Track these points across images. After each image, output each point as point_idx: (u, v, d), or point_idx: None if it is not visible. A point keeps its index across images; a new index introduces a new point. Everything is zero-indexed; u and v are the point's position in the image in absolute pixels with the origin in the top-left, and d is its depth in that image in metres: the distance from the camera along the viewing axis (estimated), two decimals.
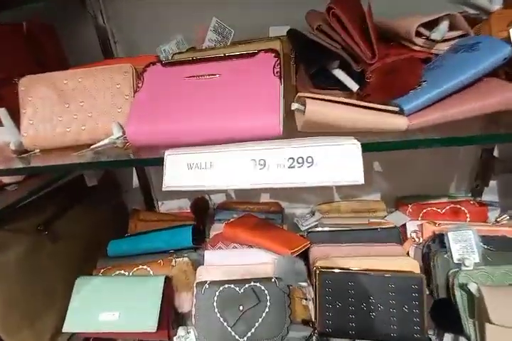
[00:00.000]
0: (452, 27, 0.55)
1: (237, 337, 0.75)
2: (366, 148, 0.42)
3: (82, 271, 0.88)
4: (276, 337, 0.74)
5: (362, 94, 0.58)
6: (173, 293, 0.83)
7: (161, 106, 0.55)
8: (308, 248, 0.87)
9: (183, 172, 0.47)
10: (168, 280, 0.82)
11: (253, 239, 0.88)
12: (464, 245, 0.79)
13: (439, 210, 1.01)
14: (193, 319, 0.80)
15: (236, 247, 0.95)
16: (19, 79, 0.67)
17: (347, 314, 0.71)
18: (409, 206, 1.03)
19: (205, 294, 0.81)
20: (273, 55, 0.55)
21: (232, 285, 0.80)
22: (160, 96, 0.57)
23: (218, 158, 0.46)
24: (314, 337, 0.74)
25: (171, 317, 0.80)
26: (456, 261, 0.78)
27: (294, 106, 0.47)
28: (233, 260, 0.89)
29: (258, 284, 0.80)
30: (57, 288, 0.82)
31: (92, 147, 0.55)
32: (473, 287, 0.71)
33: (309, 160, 0.44)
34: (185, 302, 0.85)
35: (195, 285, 0.83)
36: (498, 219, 0.93)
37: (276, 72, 0.53)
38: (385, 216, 1.02)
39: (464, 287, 0.74)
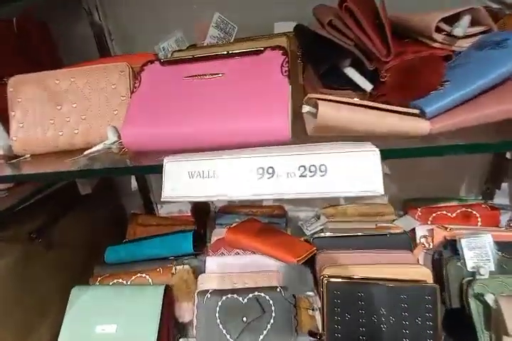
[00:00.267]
0: (473, 22, 0.51)
1: None
2: (385, 155, 0.38)
3: (79, 280, 0.84)
4: None
5: (375, 94, 0.54)
6: (174, 303, 0.79)
7: (160, 108, 0.51)
8: (314, 254, 0.83)
9: (183, 181, 0.43)
10: (168, 290, 0.78)
11: (257, 245, 0.84)
12: (479, 252, 0.75)
13: (449, 214, 0.98)
14: (194, 330, 0.76)
15: (239, 253, 0.92)
16: (9, 79, 0.63)
17: (357, 326, 0.68)
18: (419, 209, 0.99)
19: (206, 304, 0.77)
20: (281, 52, 0.51)
21: (235, 295, 0.77)
22: (158, 97, 0.53)
23: (222, 166, 0.42)
24: None
25: (171, 329, 0.77)
26: (470, 269, 0.75)
27: (305, 108, 0.43)
28: (236, 267, 0.86)
29: (262, 294, 0.76)
30: (52, 299, 0.78)
31: (85, 153, 0.51)
32: (490, 298, 0.67)
33: (322, 168, 0.40)
34: (186, 312, 0.81)
35: (196, 294, 0.79)
36: (511, 224, 0.90)
37: (285, 72, 0.49)
38: (393, 220, 0.98)
39: (479, 297, 0.71)
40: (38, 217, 0.78)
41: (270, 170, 0.41)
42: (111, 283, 0.83)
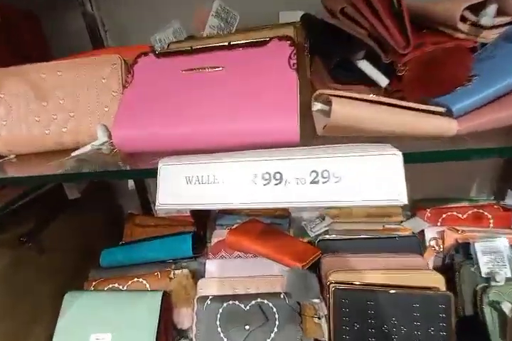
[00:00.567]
0: (499, 12, 0.46)
1: None
2: (409, 158, 0.34)
3: (73, 284, 0.80)
4: None
5: (390, 90, 0.49)
6: (172, 310, 0.75)
7: (155, 104, 0.46)
8: (319, 258, 0.79)
9: (180, 187, 0.39)
10: (166, 296, 0.74)
11: (259, 249, 0.80)
12: (494, 257, 0.72)
13: (460, 215, 0.93)
14: (194, 339, 0.72)
15: (240, 256, 0.88)
16: None
17: (366, 337, 0.64)
18: (428, 210, 0.95)
19: (206, 311, 0.73)
20: (288, 43, 0.46)
21: (237, 302, 0.73)
22: (153, 92, 0.48)
23: (224, 171, 0.38)
24: None
25: (170, 337, 0.73)
26: (484, 275, 0.71)
27: (316, 106, 0.38)
28: (237, 271, 0.82)
29: (265, 301, 0.72)
30: (44, 305, 0.74)
31: (72, 154, 0.46)
32: (507, 307, 0.64)
33: (337, 174, 0.35)
34: (185, 318, 0.77)
35: (196, 300, 0.75)
36: None
37: (293, 65, 0.44)
38: (401, 221, 0.94)
39: (494, 305, 0.67)
40: (27, 220, 0.74)
41: (277, 176, 0.37)
42: (106, 288, 0.80)
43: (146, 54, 0.52)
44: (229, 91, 0.44)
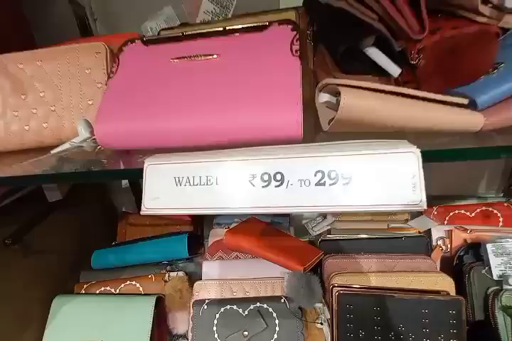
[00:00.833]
0: None
1: None
2: (429, 157, 0.29)
3: (64, 288, 0.76)
4: None
5: (402, 81, 0.45)
6: (166, 315, 0.72)
7: (142, 97, 0.42)
8: (322, 259, 0.76)
9: (168, 190, 0.34)
10: (160, 300, 0.70)
11: (258, 250, 0.76)
12: (507, 259, 0.68)
13: (468, 213, 0.89)
14: None
15: (239, 257, 0.84)
16: None
17: None
18: (434, 208, 0.91)
19: (203, 316, 0.70)
20: (290, 27, 0.41)
21: (235, 306, 0.69)
22: (140, 83, 0.43)
23: (218, 171, 0.34)
24: None
25: None
26: (496, 278, 0.67)
27: (323, 97, 0.34)
28: (235, 273, 0.78)
29: (265, 305, 0.69)
30: (32, 310, 0.70)
31: (51, 152, 0.42)
32: None
33: (346, 174, 0.31)
34: (180, 323, 0.73)
35: (191, 304, 0.72)
36: None
37: (295, 51, 0.39)
38: (407, 219, 0.90)
39: (506, 309, 0.63)
40: (12, 221, 0.69)
41: (278, 177, 0.32)
42: (98, 291, 0.76)
43: (132, 41, 0.47)
44: (224, 82, 0.39)
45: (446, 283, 0.66)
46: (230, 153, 0.35)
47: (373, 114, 0.32)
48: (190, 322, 0.70)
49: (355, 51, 0.45)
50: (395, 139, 0.32)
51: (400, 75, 0.44)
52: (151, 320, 0.66)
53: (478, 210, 0.89)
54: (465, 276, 0.70)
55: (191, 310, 0.71)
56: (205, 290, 0.74)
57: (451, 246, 0.80)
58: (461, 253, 0.75)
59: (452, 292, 0.65)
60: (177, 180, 0.34)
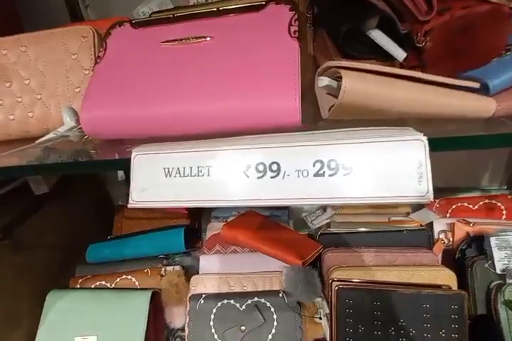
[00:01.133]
0: None
1: None
2: (437, 145, 0.27)
3: (59, 283, 0.75)
4: None
5: (407, 65, 0.42)
6: (163, 310, 0.71)
7: (130, 83, 0.39)
8: (321, 253, 0.74)
9: (158, 181, 0.32)
10: (156, 295, 0.69)
11: (256, 244, 0.74)
12: (511, 253, 0.66)
13: (470, 206, 0.87)
14: (186, 340, 0.68)
15: (236, 251, 0.83)
16: None
17: (371, 340, 0.59)
18: (436, 201, 0.89)
19: (200, 310, 0.68)
20: (288, 7, 0.38)
21: (232, 301, 0.68)
22: (128, 69, 0.41)
23: (210, 161, 0.31)
24: None
25: (160, 338, 0.68)
26: (499, 272, 0.65)
27: (323, 81, 0.31)
28: (233, 267, 0.76)
29: (263, 300, 0.67)
30: (25, 306, 0.69)
31: (36, 142, 0.39)
32: None
33: (347, 164, 0.29)
34: (177, 318, 0.72)
35: (188, 298, 0.70)
36: None
37: (294, 32, 0.36)
38: (408, 212, 0.88)
39: (509, 304, 0.62)
40: (1, 215, 0.67)
41: (274, 167, 0.30)
42: (93, 286, 0.75)
43: (120, 24, 0.44)
44: (217, 65, 0.37)
45: (448, 277, 0.64)
46: (222, 142, 0.33)
47: (377, 98, 0.29)
48: (187, 316, 0.69)
49: (357, 34, 0.42)
50: (398, 127, 0.30)
51: (405, 60, 0.42)
52: (147, 315, 0.65)
53: (481, 203, 0.87)
54: (467, 270, 0.68)
55: (188, 305, 0.70)
56: (202, 284, 0.73)
57: (453, 239, 0.78)
58: (464, 247, 0.74)
59: (454, 286, 0.63)
60: (166, 171, 0.32)
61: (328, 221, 0.89)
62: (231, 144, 0.31)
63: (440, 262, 0.76)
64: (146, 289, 0.70)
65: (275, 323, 0.65)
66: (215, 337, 0.66)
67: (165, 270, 0.74)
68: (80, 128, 0.39)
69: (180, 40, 0.40)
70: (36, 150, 0.41)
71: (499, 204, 0.86)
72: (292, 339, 0.64)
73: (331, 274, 0.67)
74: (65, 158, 0.39)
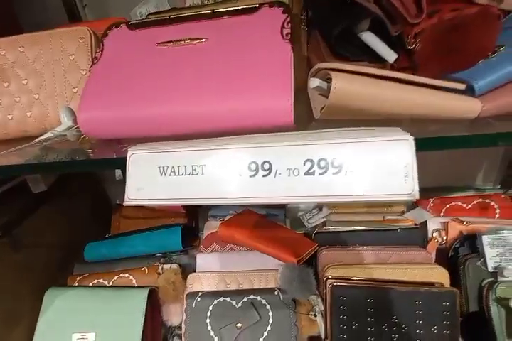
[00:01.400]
0: None
1: None
2: (423, 145, 0.28)
3: (57, 281, 0.75)
4: None
5: (398, 67, 0.43)
6: (160, 307, 0.71)
7: (126, 83, 0.40)
8: (316, 252, 0.75)
9: (153, 179, 0.33)
10: (153, 293, 0.70)
11: (252, 242, 0.75)
12: (502, 251, 0.67)
13: (464, 205, 0.88)
14: (182, 337, 0.69)
15: (233, 249, 0.83)
16: None
17: (365, 337, 0.60)
18: (430, 200, 0.90)
19: (196, 308, 0.69)
20: (281, 10, 0.39)
21: (228, 299, 0.69)
22: (125, 69, 0.41)
23: (203, 160, 0.32)
24: None
25: (157, 335, 0.69)
26: (491, 270, 0.66)
27: (314, 82, 0.32)
28: (229, 265, 0.77)
29: (258, 297, 0.68)
30: (24, 304, 0.70)
31: (35, 141, 0.40)
32: None
33: (336, 163, 0.30)
34: (174, 315, 0.73)
35: (185, 296, 0.71)
36: None
37: (286, 35, 0.37)
38: (403, 211, 0.89)
39: (501, 301, 0.63)
40: (1, 213, 0.68)
41: (266, 166, 0.31)
42: (91, 284, 0.75)
43: (117, 25, 0.45)
44: (212, 67, 0.38)
45: (440, 275, 0.65)
46: (216, 141, 0.34)
47: (366, 99, 0.30)
48: (184, 314, 0.70)
49: (349, 35, 0.43)
50: (387, 126, 0.30)
51: (395, 61, 0.43)
52: (144, 312, 0.66)
53: (474, 202, 0.88)
54: (460, 268, 0.69)
55: (185, 302, 0.70)
56: (199, 282, 0.74)
57: (447, 238, 0.79)
58: (457, 245, 0.75)
59: (447, 284, 0.64)
60: (161, 170, 0.33)
61: (324, 220, 0.89)
62: (224, 144, 0.32)
63: (434, 260, 0.77)
64: (143, 287, 0.70)
65: (271, 320, 0.66)
66: (212, 334, 0.67)
67: (162, 268, 0.75)
68: (77, 127, 0.40)
69: (176, 41, 0.41)
70: (34, 149, 0.42)
71: (492, 203, 0.87)
72: (287, 336, 0.65)
73: (326, 272, 0.68)
74: (63, 157, 0.40)
